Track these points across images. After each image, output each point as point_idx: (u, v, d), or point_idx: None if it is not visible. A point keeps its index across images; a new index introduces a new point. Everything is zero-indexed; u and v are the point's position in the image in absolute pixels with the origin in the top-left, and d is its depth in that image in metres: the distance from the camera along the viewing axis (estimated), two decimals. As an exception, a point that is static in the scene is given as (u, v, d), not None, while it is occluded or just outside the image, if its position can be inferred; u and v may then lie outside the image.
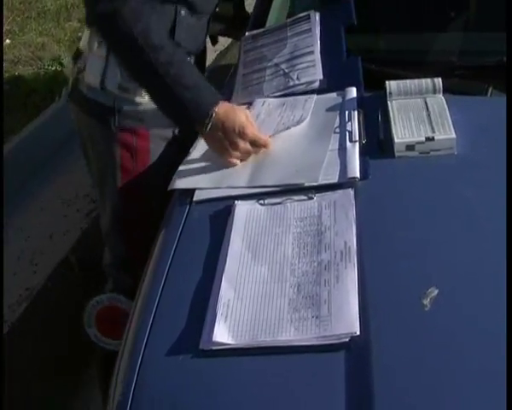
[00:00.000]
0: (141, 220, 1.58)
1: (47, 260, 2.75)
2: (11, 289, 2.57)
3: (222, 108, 1.34)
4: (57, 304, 2.52)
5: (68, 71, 1.59)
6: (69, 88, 1.59)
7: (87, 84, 1.53)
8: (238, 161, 1.35)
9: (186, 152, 1.46)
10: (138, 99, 1.51)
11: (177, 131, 1.59)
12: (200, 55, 1.66)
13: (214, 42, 2.02)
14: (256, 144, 1.36)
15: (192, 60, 1.57)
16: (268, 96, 1.54)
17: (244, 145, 1.35)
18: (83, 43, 1.57)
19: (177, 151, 1.51)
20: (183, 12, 1.46)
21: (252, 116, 1.42)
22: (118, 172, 1.56)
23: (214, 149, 1.38)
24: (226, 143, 1.34)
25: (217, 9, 1.63)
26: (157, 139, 1.56)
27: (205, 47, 1.69)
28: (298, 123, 1.39)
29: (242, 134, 1.33)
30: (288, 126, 1.39)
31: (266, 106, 1.49)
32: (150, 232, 1.39)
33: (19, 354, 2.24)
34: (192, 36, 1.54)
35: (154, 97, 1.41)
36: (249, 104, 1.52)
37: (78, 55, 1.57)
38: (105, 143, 1.57)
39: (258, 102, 1.52)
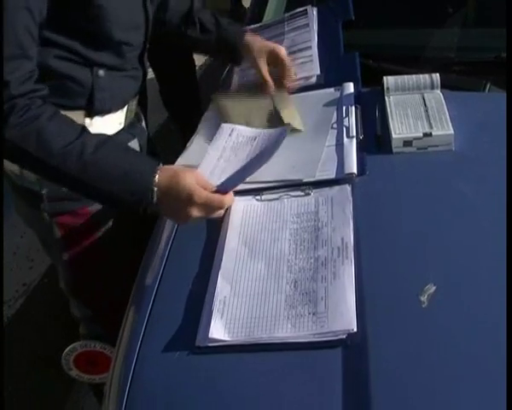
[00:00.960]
0: (95, 285, 1.50)
1: (43, 257, 2.73)
2: (8, 285, 2.57)
3: (163, 178, 1.16)
4: (53, 300, 2.51)
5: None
6: None
7: (8, 168, 1.38)
8: None
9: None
10: None
11: None
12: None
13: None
14: (210, 207, 1.18)
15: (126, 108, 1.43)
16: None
17: (197, 212, 1.16)
18: None
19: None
20: (100, 72, 1.28)
21: (215, 150, 1.34)
22: (62, 251, 1.45)
23: (169, 217, 1.24)
24: (177, 212, 1.18)
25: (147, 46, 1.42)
26: (99, 213, 1.42)
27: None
28: (265, 160, 1.25)
29: (191, 201, 1.15)
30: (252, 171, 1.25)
31: (235, 137, 1.38)
32: (111, 292, 1.38)
33: (15, 349, 2.24)
34: (118, 89, 1.35)
35: (84, 196, 1.27)
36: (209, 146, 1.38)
37: None
38: (41, 227, 1.44)
39: (226, 129, 1.41)
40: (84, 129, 1.18)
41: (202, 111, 1.59)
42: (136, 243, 1.33)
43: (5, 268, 2.58)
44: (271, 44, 1.52)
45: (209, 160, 1.32)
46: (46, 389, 2.16)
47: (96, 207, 1.40)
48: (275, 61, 1.50)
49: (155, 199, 1.16)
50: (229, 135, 1.39)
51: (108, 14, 1.23)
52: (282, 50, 1.50)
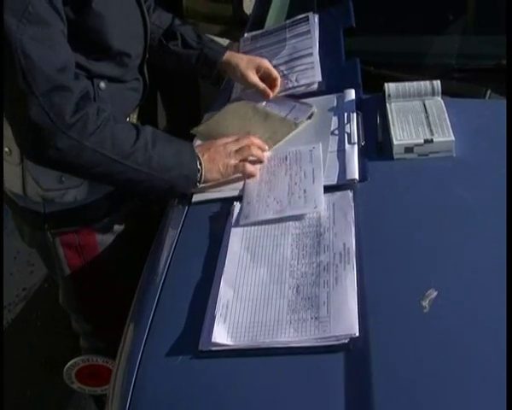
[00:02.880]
0: (97, 302, 1.51)
1: (43, 261, 2.74)
2: (8, 290, 2.57)
3: (199, 148, 1.32)
4: (53, 305, 2.50)
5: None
6: None
7: (9, 190, 1.40)
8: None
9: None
10: (68, 198, 1.34)
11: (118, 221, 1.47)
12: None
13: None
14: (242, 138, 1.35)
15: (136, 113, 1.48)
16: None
17: (233, 145, 1.33)
18: None
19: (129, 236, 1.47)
20: (102, 84, 1.29)
21: (255, 179, 1.34)
22: (65, 269, 1.45)
23: (216, 174, 1.31)
24: (220, 159, 1.31)
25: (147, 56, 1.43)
26: (103, 231, 1.43)
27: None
28: (314, 183, 1.26)
29: (226, 140, 1.35)
30: (304, 189, 1.25)
31: (266, 163, 1.36)
32: (112, 307, 1.39)
33: (15, 353, 2.24)
34: (119, 101, 1.35)
35: (136, 190, 1.35)
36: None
37: None
38: (44, 247, 1.45)
39: None
40: (137, 125, 1.27)
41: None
42: (137, 257, 1.33)
43: (5, 272, 2.58)
44: (257, 59, 1.56)
45: (250, 189, 1.30)
46: (47, 392, 2.16)
47: (98, 225, 1.41)
48: (262, 74, 1.55)
49: (202, 168, 1.28)
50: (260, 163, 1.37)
51: (108, 24, 1.24)
52: (268, 63, 1.55)
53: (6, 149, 1.32)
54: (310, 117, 1.44)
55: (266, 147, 1.38)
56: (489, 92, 1.44)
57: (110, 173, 1.22)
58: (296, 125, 1.43)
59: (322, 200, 1.21)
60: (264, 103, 1.53)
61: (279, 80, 1.54)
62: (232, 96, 1.63)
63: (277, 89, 1.53)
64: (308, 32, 1.67)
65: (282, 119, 1.45)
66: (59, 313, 2.40)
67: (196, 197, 1.32)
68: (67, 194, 1.33)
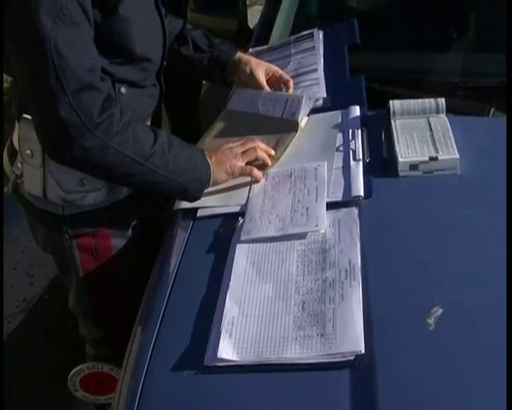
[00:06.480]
0: (109, 307, 1.52)
1: (44, 272, 2.74)
2: (8, 301, 2.56)
3: (209, 153, 1.34)
4: (54, 316, 2.51)
5: (5, 163, 1.46)
6: (10, 188, 1.44)
7: (29, 193, 1.40)
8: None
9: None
10: (88, 200, 1.36)
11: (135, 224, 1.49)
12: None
13: None
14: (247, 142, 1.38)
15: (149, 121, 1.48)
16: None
17: (239, 148, 1.36)
18: (15, 141, 1.38)
19: (141, 239, 1.49)
20: (123, 89, 1.32)
21: (256, 195, 1.34)
22: (80, 272, 1.46)
23: (223, 176, 1.35)
24: (227, 161, 1.34)
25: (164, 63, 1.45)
26: (118, 235, 1.45)
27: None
28: (316, 201, 1.25)
29: (232, 147, 1.37)
30: (307, 207, 1.25)
31: (271, 179, 1.36)
32: (122, 312, 1.39)
33: (15, 364, 2.23)
34: (137, 107, 1.36)
35: (152, 192, 1.38)
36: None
37: (12, 154, 1.40)
38: (60, 250, 1.45)
39: None
40: (153, 128, 1.29)
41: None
42: (151, 263, 1.34)
43: (6, 284, 2.58)
44: (266, 63, 1.61)
45: (254, 205, 1.31)
46: (47, 404, 2.15)
47: (112, 229, 1.42)
48: (271, 77, 1.59)
49: (211, 171, 1.32)
50: (265, 179, 1.37)
51: (132, 29, 1.27)
52: (276, 67, 1.59)
53: (28, 152, 1.33)
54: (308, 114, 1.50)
55: (272, 151, 1.40)
56: (493, 110, 1.45)
57: (130, 174, 1.25)
58: (298, 125, 1.45)
59: (325, 219, 1.21)
60: (259, 101, 1.54)
61: (291, 82, 1.58)
62: (228, 105, 1.62)
63: (291, 90, 1.56)
64: (313, 48, 1.68)
65: (283, 121, 1.46)
66: (59, 324, 2.42)
67: (201, 212, 1.32)
68: (87, 196, 1.35)
